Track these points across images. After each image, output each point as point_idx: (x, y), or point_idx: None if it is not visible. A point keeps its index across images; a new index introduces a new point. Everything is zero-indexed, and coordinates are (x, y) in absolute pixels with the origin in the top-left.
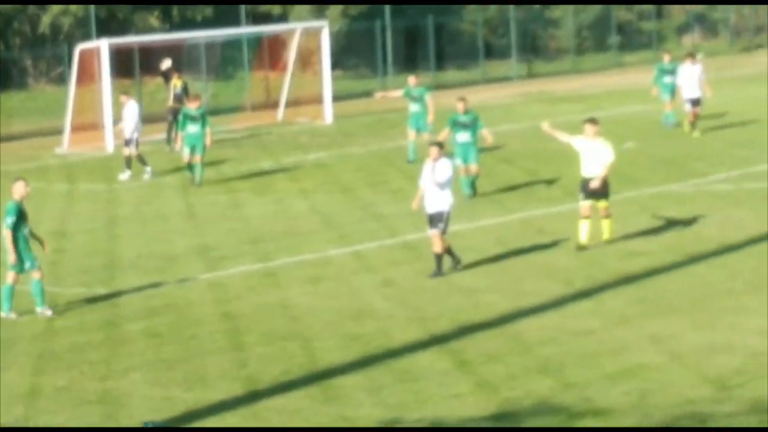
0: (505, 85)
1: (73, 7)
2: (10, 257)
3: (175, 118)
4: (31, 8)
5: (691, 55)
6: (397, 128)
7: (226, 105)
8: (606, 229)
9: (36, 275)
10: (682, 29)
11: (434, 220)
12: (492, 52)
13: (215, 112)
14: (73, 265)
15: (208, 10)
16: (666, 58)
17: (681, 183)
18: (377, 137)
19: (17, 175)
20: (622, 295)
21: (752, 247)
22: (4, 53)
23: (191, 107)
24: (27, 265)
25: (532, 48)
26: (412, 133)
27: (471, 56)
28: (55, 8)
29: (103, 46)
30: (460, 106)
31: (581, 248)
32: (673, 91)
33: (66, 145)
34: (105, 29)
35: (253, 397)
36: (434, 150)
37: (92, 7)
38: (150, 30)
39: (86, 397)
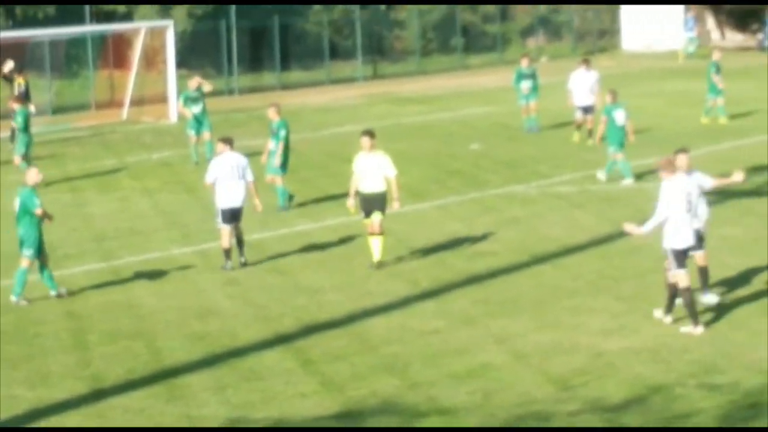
0: (350, 85)
1: None
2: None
3: None
4: None
5: (586, 62)
6: (243, 128)
7: (71, 103)
8: (378, 247)
9: (25, 263)
10: (527, 32)
11: (228, 215)
12: (337, 53)
13: (59, 110)
14: None
15: (50, 9)
16: (524, 63)
17: (525, 184)
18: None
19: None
20: (466, 295)
21: (595, 248)
22: None
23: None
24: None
25: (378, 49)
26: (193, 137)
27: (316, 57)
28: None
29: None
30: (271, 112)
31: (380, 265)
32: (529, 96)
33: None
34: None
35: (97, 395)
36: (218, 144)
37: None
38: None
39: None
